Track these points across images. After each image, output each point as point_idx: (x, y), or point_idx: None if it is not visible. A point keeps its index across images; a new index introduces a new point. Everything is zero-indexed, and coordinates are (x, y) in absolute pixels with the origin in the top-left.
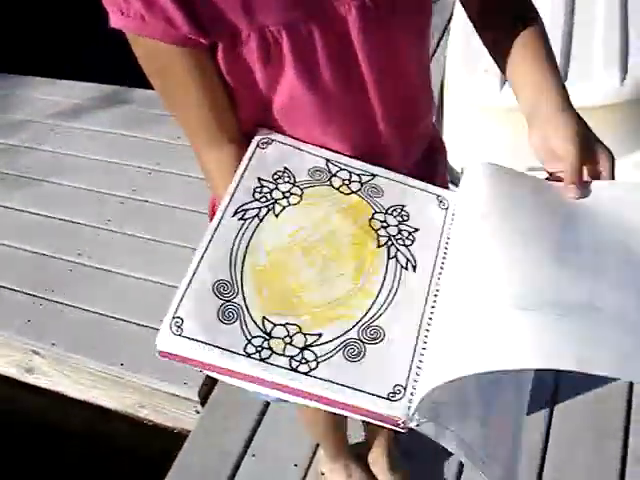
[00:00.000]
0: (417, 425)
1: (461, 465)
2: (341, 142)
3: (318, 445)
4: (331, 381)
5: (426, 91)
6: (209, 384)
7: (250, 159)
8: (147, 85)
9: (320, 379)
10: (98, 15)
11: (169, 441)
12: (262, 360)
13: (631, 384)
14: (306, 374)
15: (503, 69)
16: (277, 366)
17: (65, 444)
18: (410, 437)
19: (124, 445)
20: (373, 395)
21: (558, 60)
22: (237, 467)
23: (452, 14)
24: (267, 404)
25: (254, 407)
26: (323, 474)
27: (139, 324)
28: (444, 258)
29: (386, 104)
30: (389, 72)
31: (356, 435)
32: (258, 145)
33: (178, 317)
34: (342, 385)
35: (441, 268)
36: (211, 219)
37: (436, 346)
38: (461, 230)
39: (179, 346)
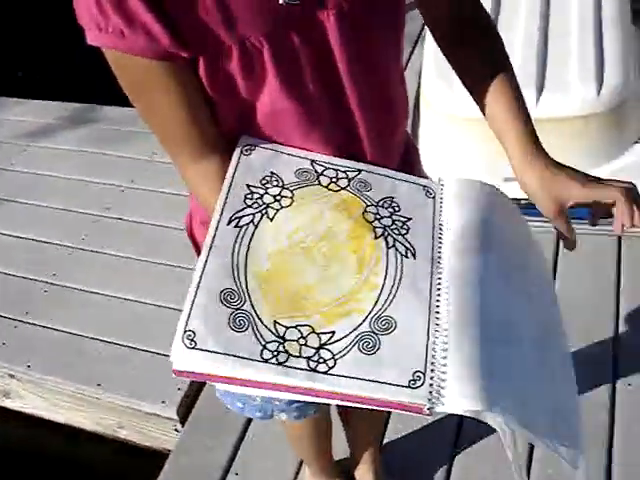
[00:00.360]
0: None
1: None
2: (324, 149)
3: (302, 462)
4: (351, 377)
5: (402, 98)
6: (188, 402)
7: (236, 167)
8: (118, 103)
9: (340, 376)
10: (67, 33)
11: (150, 461)
12: (280, 364)
13: None
14: (325, 373)
15: (478, 106)
16: (296, 368)
17: (44, 468)
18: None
19: (104, 467)
20: (394, 385)
21: (535, 71)
22: None
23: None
24: (249, 421)
25: (236, 424)
26: None
27: (115, 343)
28: (440, 243)
29: (365, 111)
30: (367, 79)
31: (342, 451)
32: (242, 152)
33: (190, 330)
34: (362, 379)
35: (439, 253)
36: (189, 235)
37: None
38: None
39: (195, 360)
